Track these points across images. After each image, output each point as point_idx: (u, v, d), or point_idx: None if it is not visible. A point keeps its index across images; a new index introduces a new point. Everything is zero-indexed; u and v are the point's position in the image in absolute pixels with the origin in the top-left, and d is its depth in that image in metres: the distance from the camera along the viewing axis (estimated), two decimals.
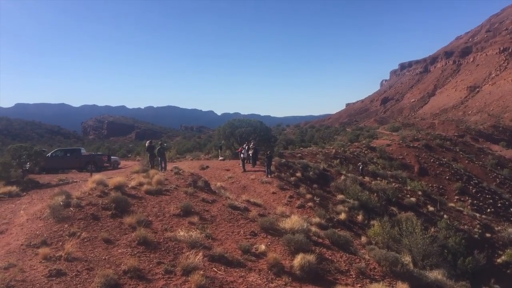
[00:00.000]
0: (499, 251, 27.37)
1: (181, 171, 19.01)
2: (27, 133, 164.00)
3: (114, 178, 14.93)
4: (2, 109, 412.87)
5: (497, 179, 54.16)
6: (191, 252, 9.62)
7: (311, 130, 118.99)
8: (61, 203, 11.60)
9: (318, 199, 22.48)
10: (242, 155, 27.34)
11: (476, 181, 48.78)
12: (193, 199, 14.60)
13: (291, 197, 21.03)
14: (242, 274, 9.57)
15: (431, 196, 36.18)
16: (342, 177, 30.57)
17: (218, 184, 20.17)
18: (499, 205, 42.70)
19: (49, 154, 28.57)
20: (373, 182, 32.83)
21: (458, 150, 66.13)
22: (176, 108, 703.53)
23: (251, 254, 10.79)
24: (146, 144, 24.01)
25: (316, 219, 16.64)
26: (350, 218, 21.33)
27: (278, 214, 15.61)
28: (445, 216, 29.69)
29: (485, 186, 47.48)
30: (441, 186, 45.84)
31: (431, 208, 30.89)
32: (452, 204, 36.12)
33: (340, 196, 25.02)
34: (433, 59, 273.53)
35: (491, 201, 43.09)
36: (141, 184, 14.84)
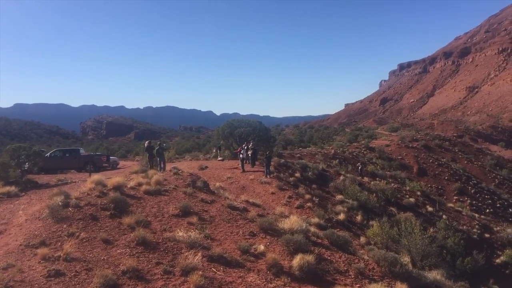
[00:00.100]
0: (498, 252, 27.43)
1: (180, 171, 19.00)
2: (26, 133, 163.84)
3: (113, 178, 14.91)
4: (1, 109, 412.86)
5: (496, 180, 54.25)
6: (190, 252, 9.61)
7: (310, 131, 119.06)
8: (60, 203, 11.58)
9: (317, 199, 22.50)
10: (241, 156, 27.35)
11: (475, 181, 48.86)
12: (192, 199, 14.59)
13: (290, 197, 21.04)
14: (241, 274, 9.57)
15: (430, 196, 36.22)
16: (341, 178, 30.60)
17: (217, 184, 20.17)
18: (498, 205, 42.78)
19: (48, 154, 28.53)
20: (372, 183, 32.87)
21: (457, 150, 66.22)
22: (175, 108, 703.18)
23: (250, 255, 10.78)
24: (145, 144, 23.99)
25: (315, 220, 16.64)
26: (349, 218, 21.35)
27: (277, 214, 15.60)
28: (444, 216, 29.74)
29: (484, 186, 47.55)
30: (440, 187, 45.90)
31: (430, 209, 30.93)
32: (451, 205, 36.18)
33: (339, 197, 25.04)
34: (432, 60, 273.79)
35: (490, 201, 43.17)
36: (140, 185, 14.83)
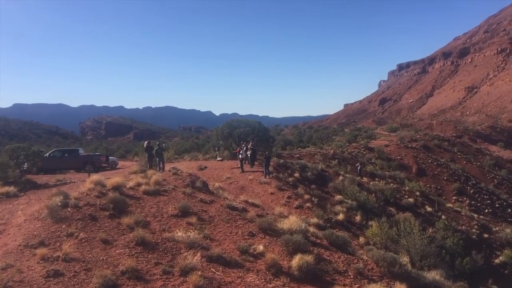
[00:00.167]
0: (497, 252, 27.45)
1: (179, 171, 19.01)
2: (25, 133, 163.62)
3: (112, 178, 14.91)
4: (0, 109, 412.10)
5: (495, 180, 54.30)
6: (189, 252, 9.61)
7: (309, 131, 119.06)
8: (59, 203, 11.58)
9: (316, 199, 22.51)
10: (240, 156, 27.35)
11: (474, 181, 48.91)
12: (191, 199, 14.59)
13: (289, 197, 21.04)
14: (240, 274, 9.57)
15: (429, 196, 36.25)
16: (340, 178, 30.61)
17: (216, 184, 20.18)
18: (497, 205, 42.84)
19: (47, 154, 28.50)
20: (371, 183, 32.90)
21: (456, 150, 66.28)
22: (174, 109, 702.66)
23: (249, 255, 10.78)
24: (144, 145, 23.98)
25: (314, 220, 16.65)
26: (348, 218, 21.36)
27: (276, 214, 15.61)
28: (443, 216, 29.76)
29: (483, 186, 47.60)
30: (439, 187, 45.94)
31: (429, 209, 30.95)
32: (450, 205, 36.22)
33: (338, 197, 25.05)
34: (431, 60, 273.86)
35: (489, 201, 43.21)
36: (139, 185, 14.83)
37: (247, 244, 11.29)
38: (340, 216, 20.51)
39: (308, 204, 20.49)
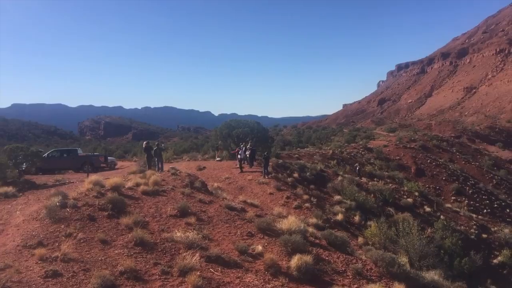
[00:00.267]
0: (496, 252, 27.48)
1: (178, 171, 19.00)
2: (23, 133, 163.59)
3: (110, 178, 14.90)
4: None
5: (494, 180, 54.42)
6: (188, 253, 9.60)
7: (308, 131, 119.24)
8: (57, 203, 11.56)
9: (315, 200, 22.52)
10: (239, 156, 27.35)
11: (472, 182, 48.97)
12: (190, 199, 14.58)
13: (288, 197, 21.05)
14: (239, 275, 9.57)
15: (428, 196, 36.30)
16: (339, 178, 30.65)
17: (215, 184, 20.18)
18: (495, 205, 42.90)
19: (46, 154, 28.42)
20: (370, 183, 32.93)
21: (454, 151, 66.44)
22: (173, 109, 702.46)
23: (248, 255, 10.78)
24: (143, 145, 23.95)
25: (313, 220, 16.66)
26: (347, 218, 21.38)
27: (275, 214, 15.60)
28: (441, 216, 29.79)
29: (481, 187, 47.67)
30: (437, 187, 45.99)
31: (427, 209, 30.99)
32: (448, 205, 36.27)
33: (337, 197, 25.08)
34: (430, 60, 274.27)
35: (487, 201, 43.27)
36: (138, 185, 14.82)
37: (246, 245, 11.28)
38: (339, 216, 20.53)
39: (307, 205, 20.50)
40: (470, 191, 45.36)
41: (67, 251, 8.90)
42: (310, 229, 14.21)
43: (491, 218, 38.46)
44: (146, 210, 12.70)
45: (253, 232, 12.55)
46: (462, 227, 29.47)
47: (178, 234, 10.81)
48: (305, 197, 22.02)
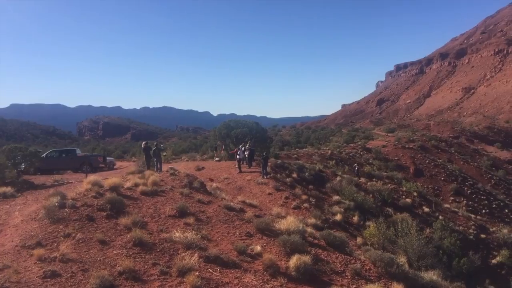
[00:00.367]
0: (494, 252, 27.53)
1: (176, 172, 18.99)
2: (22, 133, 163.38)
3: (109, 179, 14.90)
4: None
5: (492, 180, 54.45)
6: (187, 253, 9.61)
7: (307, 131, 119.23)
8: (56, 204, 11.56)
9: (313, 200, 22.52)
10: (238, 156, 27.35)
11: (471, 182, 49.01)
12: (188, 200, 14.58)
13: (286, 198, 21.05)
14: (238, 275, 9.57)
15: (427, 197, 36.33)
16: (338, 178, 30.65)
17: (214, 185, 20.17)
18: (494, 206, 42.91)
19: (44, 154, 28.39)
20: (368, 183, 32.94)
21: (453, 151, 66.48)
22: (172, 109, 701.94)
23: (246, 255, 10.79)
24: (142, 145, 23.95)
25: (312, 220, 16.66)
26: (346, 219, 21.39)
27: (273, 215, 15.61)
28: (440, 217, 29.82)
29: (480, 187, 47.71)
30: (436, 187, 46.02)
31: (426, 209, 31.02)
32: (447, 205, 36.29)
33: (335, 197, 25.09)
34: (429, 61, 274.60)
35: (486, 202, 43.29)
36: (136, 185, 14.82)
37: (244, 245, 11.29)
38: (338, 217, 20.54)
39: (305, 205, 20.51)
40: (469, 191, 45.39)
41: (66, 252, 8.90)
42: (309, 229, 14.21)
43: (489, 218, 38.50)
44: (145, 211, 12.70)
45: (251, 232, 12.55)
46: (460, 227, 29.51)
47: (177, 234, 10.81)
48: (304, 197, 22.03)
